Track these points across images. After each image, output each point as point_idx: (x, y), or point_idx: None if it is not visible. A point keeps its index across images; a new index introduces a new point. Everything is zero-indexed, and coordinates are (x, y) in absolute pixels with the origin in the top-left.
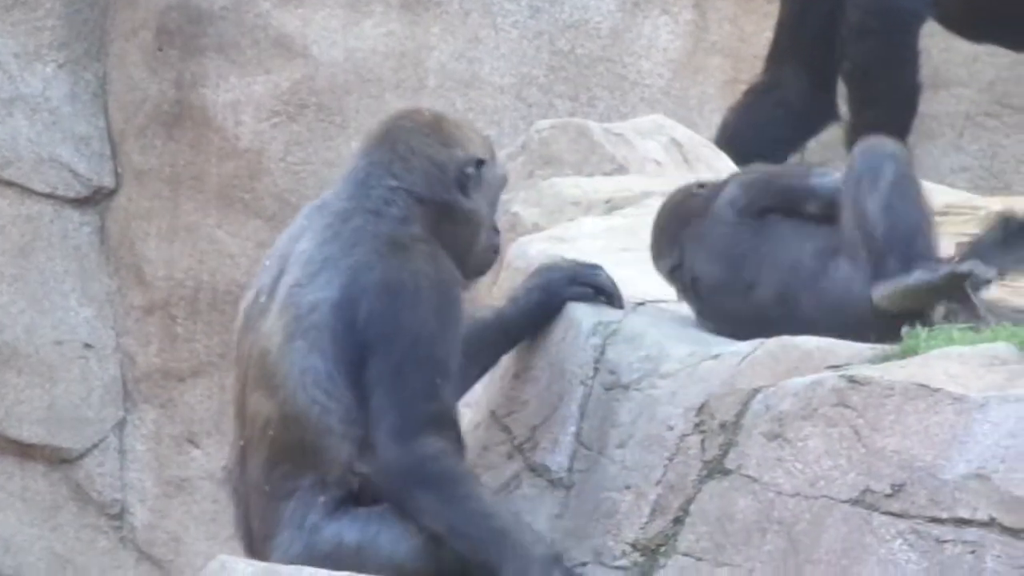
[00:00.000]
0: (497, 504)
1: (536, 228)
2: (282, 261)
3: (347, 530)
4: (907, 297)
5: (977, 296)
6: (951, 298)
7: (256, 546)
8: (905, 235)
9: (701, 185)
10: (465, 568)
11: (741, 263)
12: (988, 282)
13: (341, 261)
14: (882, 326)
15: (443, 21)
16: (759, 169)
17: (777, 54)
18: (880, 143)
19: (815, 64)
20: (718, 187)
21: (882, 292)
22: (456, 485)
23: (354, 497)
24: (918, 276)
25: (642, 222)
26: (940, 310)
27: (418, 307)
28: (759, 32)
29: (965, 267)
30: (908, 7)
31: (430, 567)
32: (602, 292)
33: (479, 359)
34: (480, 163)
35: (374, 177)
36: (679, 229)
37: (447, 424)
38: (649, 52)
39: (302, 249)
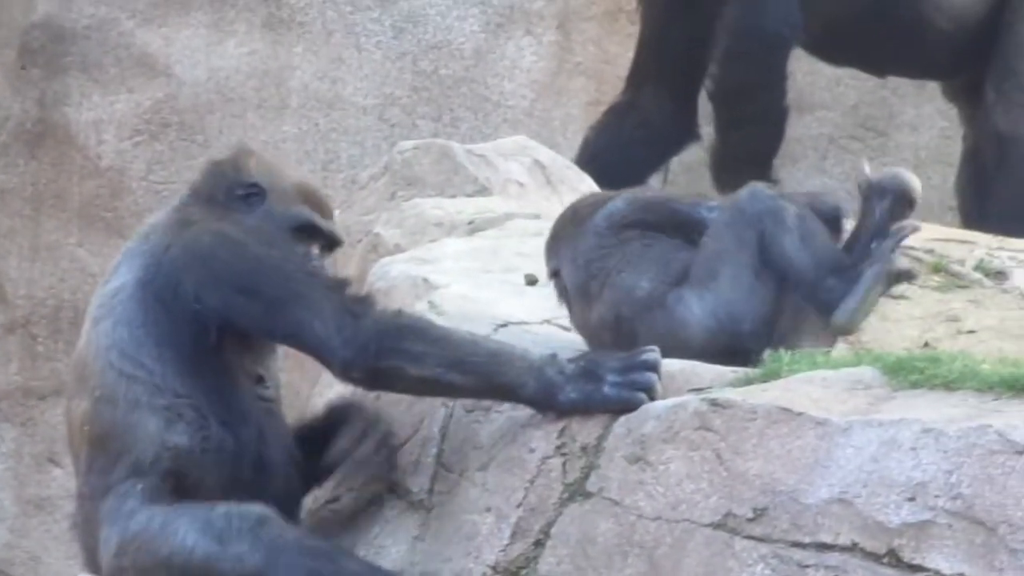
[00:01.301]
0: (470, 332)
1: (398, 249)
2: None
3: (156, 515)
4: (867, 309)
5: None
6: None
7: (94, 559)
8: (829, 260)
9: None
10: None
11: (594, 276)
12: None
13: (138, 249)
14: (716, 359)
15: (306, 41)
16: (654, 190)
17: (638, 74)
18: (763, 187)
19: (676, 84)
20: (608, 198)
21: (843, 315)
22: (429, 327)
23: (175, 482)
24: (867, 288)
25: (504, 243)
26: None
27: (244, 245)
28: (623, 53)
29: (898, 265)
30: (777, 31)
31: (223, 556)
32: None
33: None
34: (255, 186)
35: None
36: (564, 233)
37: (368, 295)
38: (512, 73)
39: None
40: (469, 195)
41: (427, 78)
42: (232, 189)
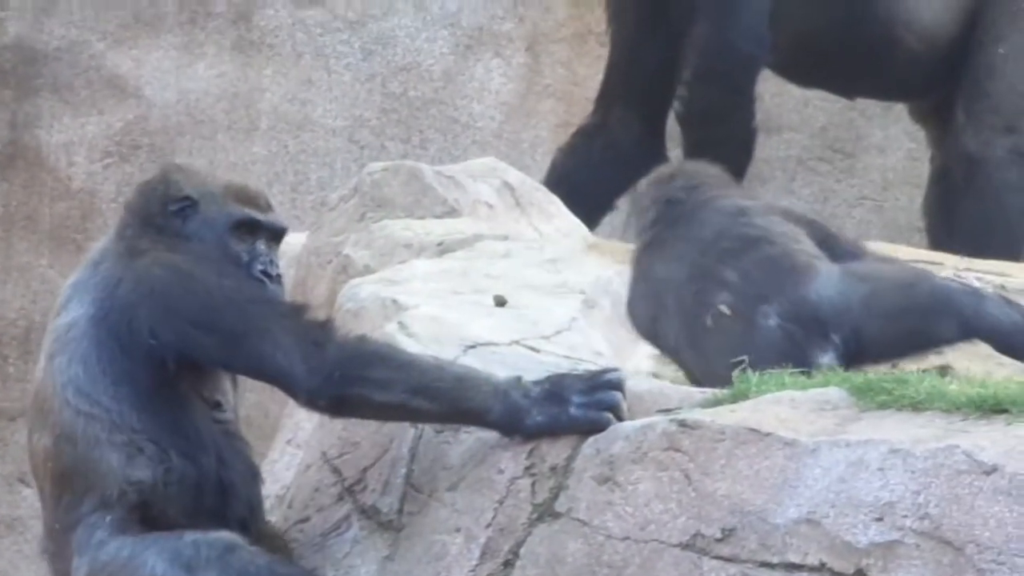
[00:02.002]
0: (434, 356)
1: (367, 270)
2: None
3: (125, 546)
4: None
5: None
6: None
7: None
8: None
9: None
10: None
11: None
12: None
13: (89, 282)
14: None
15: (275, 63)
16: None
17: (607, 96)
18: None
19: (645, 106)
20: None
21: None
22: (393, 353)
23: (141, 513)
24: None
25: (474, 265)
26: None
27: (197, 277)
28: (592, 75)
29: None
30: (746, 52)
31: None
32: None
33: None
34: (186, 199)
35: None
36: None
37: (328, 320)
38: (481, 95)
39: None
40: (438, 216)
41: (396, 100)
42: (165, 206)
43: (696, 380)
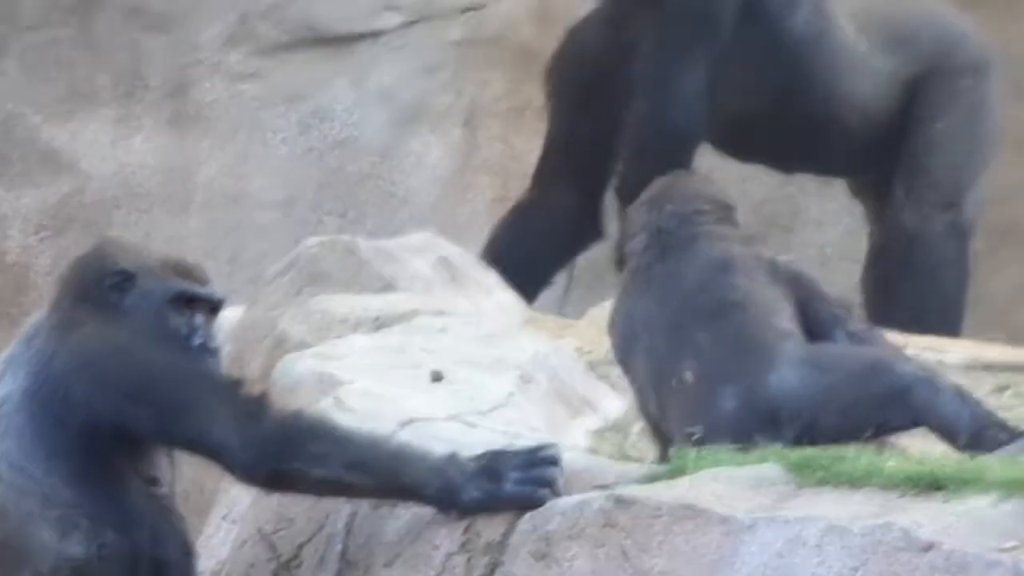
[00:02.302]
0: (371, 431)
1: (304, 345)
2: None
3: None
4: None
5: None
6: None
7: None
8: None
9: None
10: None
11: None
12: None
13: (23, 356)
14: None
15: (212, 137)
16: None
17: (546, 170)
18: None
19: (583, 182)
20: None
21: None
22: (330, 428)
23: None
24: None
25: (411, 340)
26: None
27: (133, 351)
28: (530, 150)
29: None
30: (683, 128)
31: None
32: None
33: None
34: (122, 272)
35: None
36: None
37: (264, 395)
38: (418, 169)
39: None
40: (375, 291)
41: (333, 174)
42: (101, 280)
43: (653, 426)
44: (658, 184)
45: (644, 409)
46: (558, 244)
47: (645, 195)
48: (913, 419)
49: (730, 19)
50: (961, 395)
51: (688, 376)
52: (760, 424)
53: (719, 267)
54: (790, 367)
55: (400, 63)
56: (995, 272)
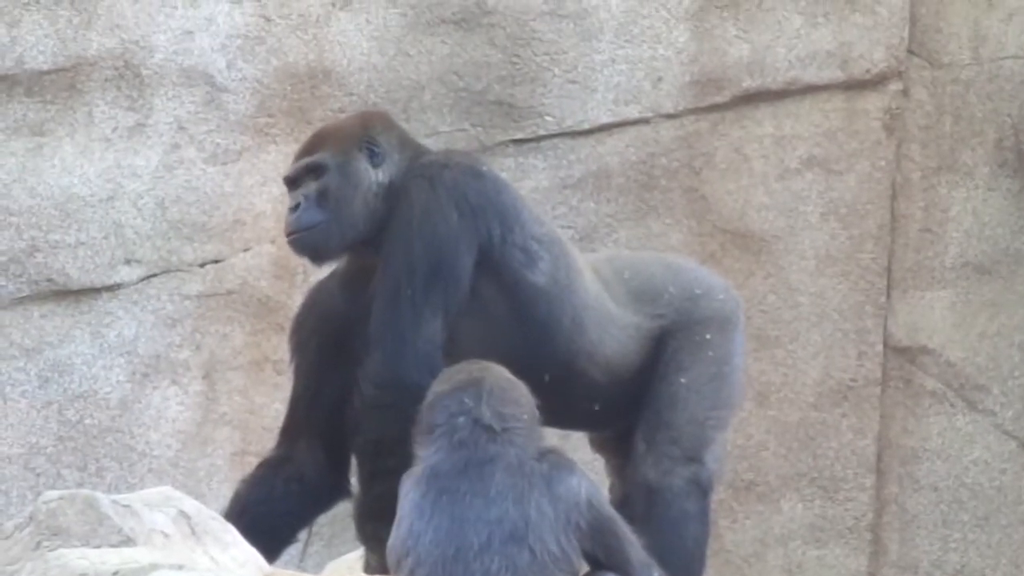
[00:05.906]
0: None
1: None
2: None
3: None
4: None
5: None
6: None
7: None
8: None
9: None
10: None
11: None
12: None
13: None
14: None
15: None
16: None
17: (291, 428)
18: None
19: (328, 438)
20: None
21: None
22: None
23: None
24: None
25: None
26: None
27: None
28: (269, 404)
29: None
30: (417, 383)
31: None
32: None
33: None
34: None
35: None
36: None
37: None
38: (158, 423)
39: None
40: (114, 546)
41: (73, 427)
42: None
43: None
44: (467, 369)
45: None
46: (303, 501)
47: (454, 380)
48: None
49: (465, 273)
50: None
51: None
52: None
53: (519, 495)
54: None
55: (139, 316)
56: (735, 525)
